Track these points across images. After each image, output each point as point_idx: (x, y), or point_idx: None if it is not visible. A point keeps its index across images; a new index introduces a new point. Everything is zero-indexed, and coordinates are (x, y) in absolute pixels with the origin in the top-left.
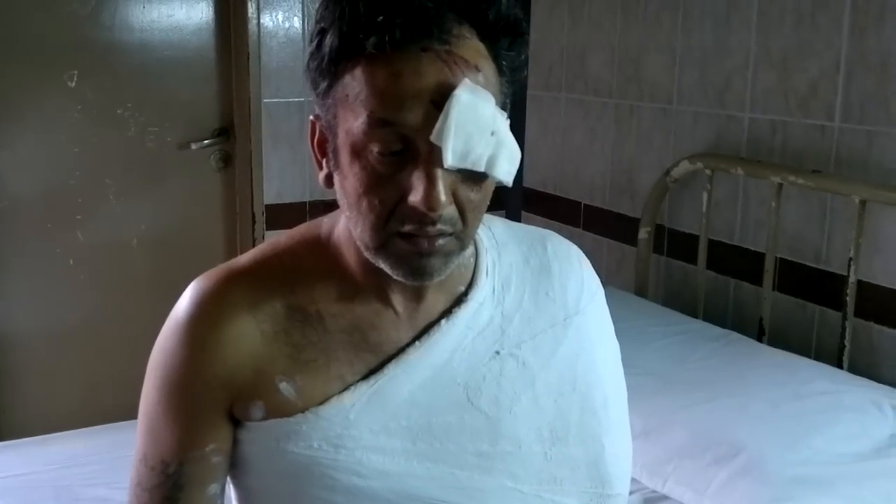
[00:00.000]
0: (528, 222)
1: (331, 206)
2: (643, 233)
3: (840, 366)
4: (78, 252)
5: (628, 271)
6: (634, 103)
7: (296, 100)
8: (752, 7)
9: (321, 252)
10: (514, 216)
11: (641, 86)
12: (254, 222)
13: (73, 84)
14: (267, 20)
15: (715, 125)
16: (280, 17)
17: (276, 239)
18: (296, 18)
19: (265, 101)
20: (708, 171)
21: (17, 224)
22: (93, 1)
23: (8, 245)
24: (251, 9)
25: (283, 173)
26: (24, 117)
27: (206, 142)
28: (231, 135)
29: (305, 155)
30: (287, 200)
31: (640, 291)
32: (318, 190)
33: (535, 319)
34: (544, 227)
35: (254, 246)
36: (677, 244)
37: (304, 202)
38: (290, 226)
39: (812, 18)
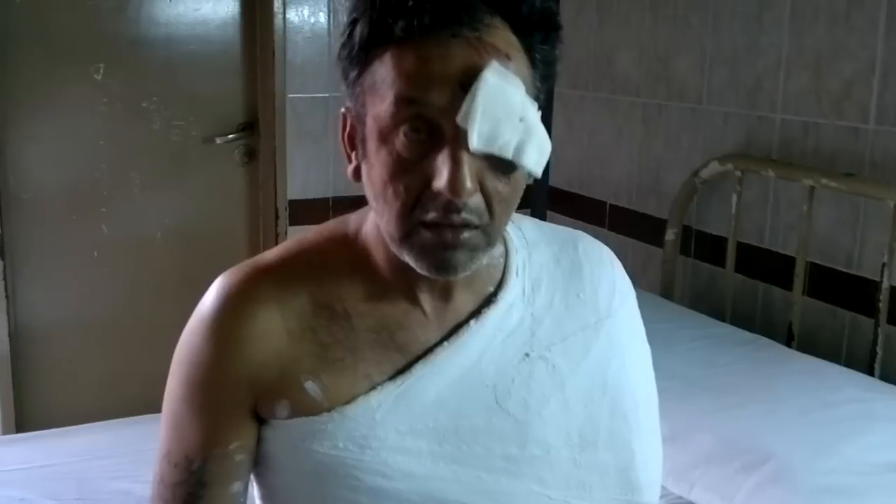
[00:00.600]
0: (554, 222)
1: (354, 202)
2: (670, 234)
3: (871, 373)
4: (102, 245)
5: (654, 273)
6: (663, 103)
7: (320, 95)
8: (785, 6)
9: (349, 249)
10: (539, 215)
11: (670, 85)
12: (277, 217)
13: (100, 77)
14: (293, 15)
15: (745, 126)
16: (306, 12)
17: (302, 235)
18: (321, 13)
19: (290, 96)
20: (738, 173)
21: (42, 216)
22: None
23: (33, 237)
24: (277, 3)
25: (306, 169)
26: (50, 110)
27: (230, 136)
28: (255, 130)
29: (329, 151)
30: (310, 196)
31: (666, 293)
32: (342, 186)
33: (566, 322)
34: (570, 226)
35: (277, 241)
36: (705, 246)
37: (328, 198)
38: (313, 221)
39: (847, 18)
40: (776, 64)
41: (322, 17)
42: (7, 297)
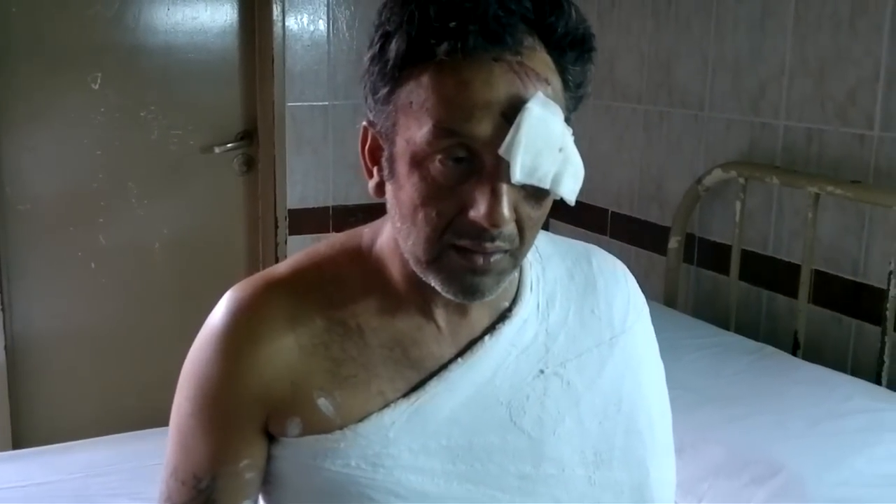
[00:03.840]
0: (556, 230)
1: (354, 210)
2: (673, 242)
3: (878, 382)
4: (99, 255)
5: (657, 281)
6: (664, 109)
7: (320, 103)
8: (788, 12)
9: (362, 263)
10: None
11: (672, 92)
12: (276, 227)
13: (97, 86)
14: (292, 23)
15: (748, 133)
16: (305, 19)
17: (314, 248)
18: (321, 21)
19: (289, 104)
20: (741, 180)
21: (39, 226)
22: (117, 3)
23: (29, 247)
24: (276, 11)
25: (306, 178)
26: (47, 119)
27: (229, 145)
28: (254, 138)
29: (329, 159)
30: (310, 205)
31: (670, 302)
32: (342, 195)
33: (580, 338)
34: (570, 234)
35: (276, 251)
36: (708, 254)
37: (328, 207)
38: (313, 231)
39: (851, 24)
40: (779, 70)
41: (321, 25)
42: (3, 308)
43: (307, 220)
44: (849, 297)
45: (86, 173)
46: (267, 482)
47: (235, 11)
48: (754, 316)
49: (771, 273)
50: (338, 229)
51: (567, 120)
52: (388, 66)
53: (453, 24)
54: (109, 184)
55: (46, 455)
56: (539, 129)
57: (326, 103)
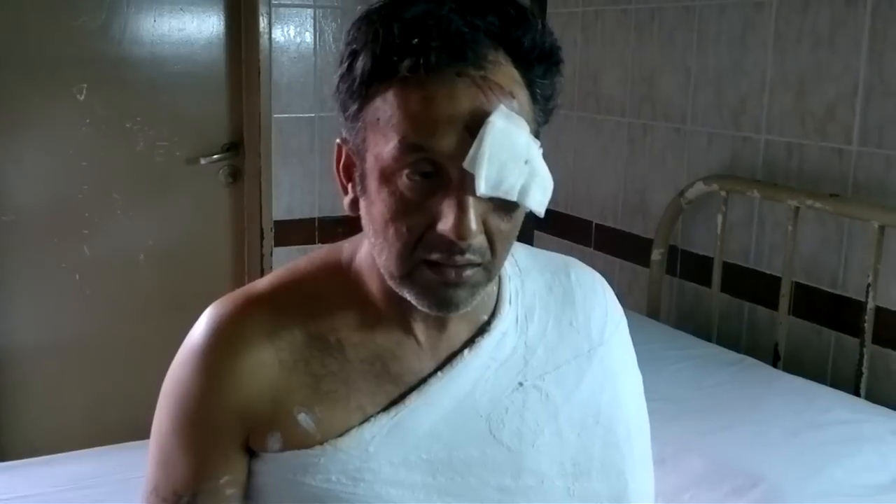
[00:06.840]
0: (540, 242)
1: (340, 222)
2: (656, 254)
3: (857, 393)
4: (84, 267)
5: (640, 293)
6: (648, 123)
7: (306, 115)
8: (769, 28)
9: (342, 278)
10: (525, 235)
11: (655, 105)
12: (262, 238)
13: (83, 97)
14: (278, 35)
15: (730, 146)
16: (291, 31)
17: (294, 263)
18: (307, 33)
19: (275, 116)
20: (723, 193)
21: (24, 238)
22: (103, 14)
23: (14, 259)
24: (262, 23)
25: (292, 189)
26: (32, 130)
27: (215, 156)
28: (240, 150)
29: (315, 171)
30: (296, 216)
31: (653, 313)
32: (328, 206)
33: (559, 350)
34: (555, 246)
35: (262, 262)
36: (691, 266)
37: (314, 218)
38: (299, 242)
39: (830, 40)
40: (760, 85)
41: (308, 37)
42: None
43: (293, 232)
44: (828, 309)
45: (71, 184)
46: (248, 497)
47: (222, 23)
48: (736, 327)
49: (752, 285)
50: (324, 241)
51: (536, 133)
52: (356, 84)
53: (416, 41)
54: (94, 195)
55: (30, 468)
56: (503, 142)
57: (313, 115)
